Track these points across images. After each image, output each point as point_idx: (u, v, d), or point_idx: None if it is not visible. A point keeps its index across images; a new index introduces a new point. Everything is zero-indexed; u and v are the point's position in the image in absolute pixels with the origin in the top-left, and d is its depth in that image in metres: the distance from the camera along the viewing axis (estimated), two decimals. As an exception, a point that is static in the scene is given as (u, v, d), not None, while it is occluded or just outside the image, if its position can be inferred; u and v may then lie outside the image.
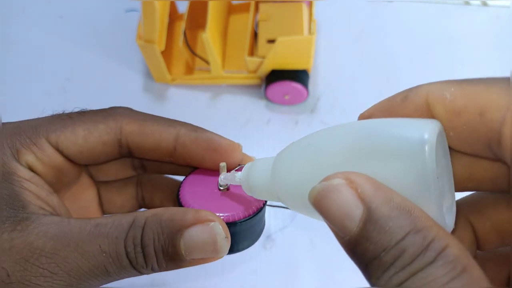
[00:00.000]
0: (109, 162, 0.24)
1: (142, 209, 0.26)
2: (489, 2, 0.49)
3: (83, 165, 0.24)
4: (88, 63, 0.46)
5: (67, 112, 0.23)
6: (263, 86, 0.42)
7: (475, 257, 0.20)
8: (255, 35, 0.42)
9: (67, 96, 0.45)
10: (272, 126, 0.43)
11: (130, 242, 0.19)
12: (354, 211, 0.14)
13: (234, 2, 0.46)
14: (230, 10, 0.46)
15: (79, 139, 0.21)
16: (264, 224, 0.23)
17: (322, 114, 0.43)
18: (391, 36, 0.47)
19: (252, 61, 0.40)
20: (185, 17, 0.42)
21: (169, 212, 0.19)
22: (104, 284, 0.20)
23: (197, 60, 0.45)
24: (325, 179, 0.16)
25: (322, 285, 0.37)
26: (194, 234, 0.19)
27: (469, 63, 0.46)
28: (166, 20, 0.41)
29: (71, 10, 0.49)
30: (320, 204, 0.16)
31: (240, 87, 0.45)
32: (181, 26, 0.42)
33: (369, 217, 0.14)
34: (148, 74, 0.45)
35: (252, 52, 0.42)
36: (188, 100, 0.44)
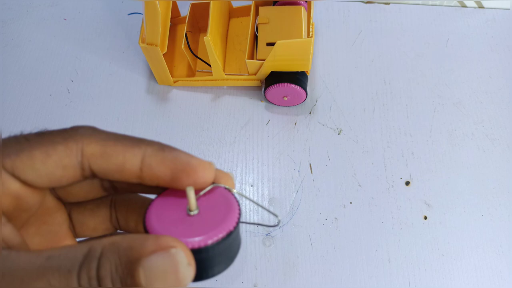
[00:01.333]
0: (74, 184, 0.22)
1: (119, 231, 0.25)
2: (485, 5, 0.50)
3: (46, 188, 0.22)
4: (92, 65, 0.47)
5: (25, 133, 0.20)
6: (263, 88, 0.42)
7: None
8: (255, 38, 0.43)
9: (71, 97, 0.45)
10: (271, 127, 0.44)
11: (84, 275, 0.17)
12: None
13: (235, 5, 0.46)
14: (231, 13, 0.46)
15: (37, 163, 0.19)
16: (239, 243, 0.21)
17: (320, 115, 0.44)
18: (388, 38, 0.48)
19: (252, 64, 0.41)
20: (187, 20, 0.42)
21: (127, 240, 0.18)
22: None
23: (199, 62, 0.45)
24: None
25: (321, 281, 0.38)
26: (153, 263, 0.17)
27: (466, 65, 0.46)
28: (168, 23, 0.41)
29: (75, 12, 0.50)
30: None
31: (241, 88, 0.45)
32: (183, 29, 0.42)
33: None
34: (151, 76, 0.46)
35: (252, 55, 0.42)
36: (190, 101, 0.45)
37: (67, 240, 0.23)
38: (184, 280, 0.17)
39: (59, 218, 0.23)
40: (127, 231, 0.24)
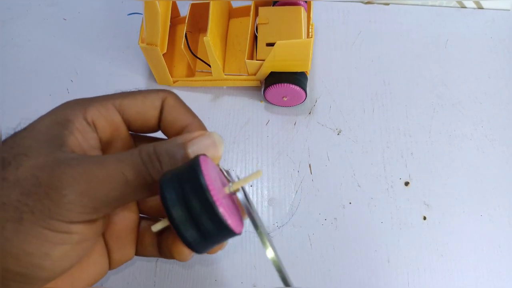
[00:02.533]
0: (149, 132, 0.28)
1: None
2: (484, 5, 0.50)
3: (134, 138, 0.28)
4: (91, 65, 0.47)
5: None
6: (263, 88, 0.42)
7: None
8: (255, 38, 0.43)
9: (71, 98, 0.45)
10: (271, 127, 0.44)
11: (145, 154, 0.23)
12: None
13: (235, 6, 0.46)
14: (231, 14, 0.46)
15: (138, 101, 0.26)
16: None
17: (320, 115, 0.44)
18: (388, 39, 0.48)
19: (252, 64, 0.41)
20: (187, 20, 0.42)
21: (171, 138, 0.24)
22: (125, 201, 0.23)
23: (198, 62, 0.45)
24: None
25: (320, 282, 0.38)
26: (198, 141, 0.23)
27: (465, 66, 0.46)
28: (168, 23, 0.41)
29: (74, 12, 0.50)
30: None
31: (240, 89, 0.45)
32: (183, 29, 0.42)
33: None
34: (151, 76, 0.46)
35: (252, 55, 0.43)
36: (189, 101, 0.43)
37: None
38: (220, 152, 0.24)
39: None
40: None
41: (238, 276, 0.38)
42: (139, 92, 0.27)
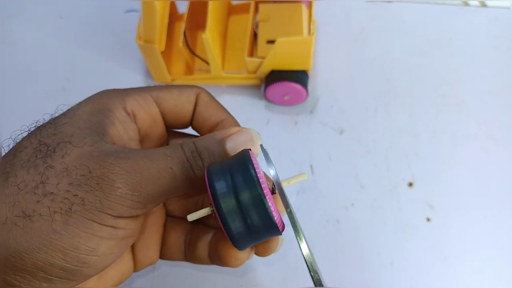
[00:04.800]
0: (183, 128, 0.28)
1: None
2: (488, 3, 0.49)
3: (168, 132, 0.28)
4: (88, 63, 0.47)
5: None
6: (263, 87, 0.42)
7: None
8: (254, 35, 0.43)
9: (67, 96, 0.45)
10: (271, 127, 0.43)
11: (187, 150, 0.23)
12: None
13: (234, 3, 0.46)
14: (230, 10, 0.46)
15: (174, 95, 0.26)
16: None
17: (321, 114, 0.44)
18: (390, 37, 0.47)
19: (252, 62, 0.40)
20: (185, 17, 0.42)
21: (208, 134, 0.24)
22: (170, 196, 0.23)
23: (197, 60, 0.45)
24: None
25: (321, 285, 0.37)
26: (236, 138, 0.24)
27: (468, 64, 0.46)
28: (166, 20, 0.41)
29: (71, 10, 0.49)
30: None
31: (240, 87, 0.45)
32: (181, 26, 0.42)
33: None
34: (148, 74, 0.45)
35: (251, 53, 0.42)
36: None
37: None
38: (258, 148, 0.24)
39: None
40: None
41: (238, 279, 0.37)
42: (174, 87, 0.27)
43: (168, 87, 0.27)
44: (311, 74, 0.44)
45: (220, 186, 0.21)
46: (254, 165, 0.21)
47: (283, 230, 0.22)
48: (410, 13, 0.48)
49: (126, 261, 0.27)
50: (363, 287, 0.37)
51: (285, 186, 0.23)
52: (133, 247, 0.27)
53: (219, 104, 0.28)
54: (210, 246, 0.27)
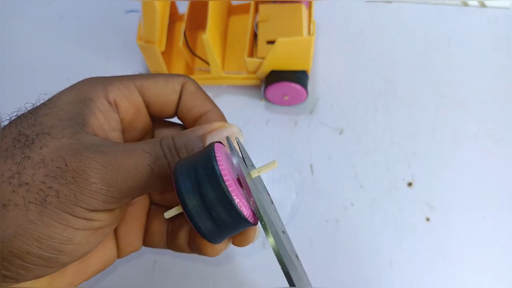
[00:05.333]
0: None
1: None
2: (487, 4, 0.49)
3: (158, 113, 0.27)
4: (88, 63, 0.46)
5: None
6: (263, 87, 0.42)
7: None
8: (255, 36, 0.42)
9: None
10: (271, 127, 0.43)
11: (166, 147, 0.23)
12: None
13: (234, 3, 0.46)
14: (230, 11, 0.46)
15: (159, 85, 0.26)
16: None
17: (321, 114, 0.44)
18: (390, 37, 0.47)
19: (252, 62, 0.40)
20: (185, 18, 0.42)
21: (189, 129, 0.24)
22: (146, 191, 0.23)
23: (197, 60, 0.45)
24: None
25: (321, 284, 0.37)
26: (217, 133, 0.23)
27: (468, 65, 0.46)
28: (166, 20, 0.41)
29: (71, 10, 0.49)
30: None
31: (240, 87, 0.45)
32: (181, 26, 0.42)
33: None
34: (148, 75, 0.45)
35: (251, 53, 0.42)
36: None
37: None
38: (240, 136, 0.24)
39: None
40: None
41: (237, 278, 0.37)
42: (160, 75, 0.26)
43: (154, 75, 0.26)
44: (311, 74, 0.44)
45: (184, 183, 0.20)
46: (217, 159, 0.20)
47: (256, 221, 0.22)
48: (409, 13, 0.48)
49: (108, 248, 0.27)
50: (363, 287, 0.37)
51: (255, 175, 0.22)
52: (116, 234, 0.28)
53: (205, 94, 0.27)
54: (189, 235, 0.27)
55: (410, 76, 0.45)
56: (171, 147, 0.23)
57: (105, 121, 0.24)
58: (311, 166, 0.41)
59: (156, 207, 0.29)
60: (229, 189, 0.20)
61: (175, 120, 0.29)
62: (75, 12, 0.49)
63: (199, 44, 0.45)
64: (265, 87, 0.41)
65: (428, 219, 0.39)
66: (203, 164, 0.20)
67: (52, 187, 0.20)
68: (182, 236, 0.27)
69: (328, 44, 0.47)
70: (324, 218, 0.39)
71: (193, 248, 0.26)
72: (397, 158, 0.42)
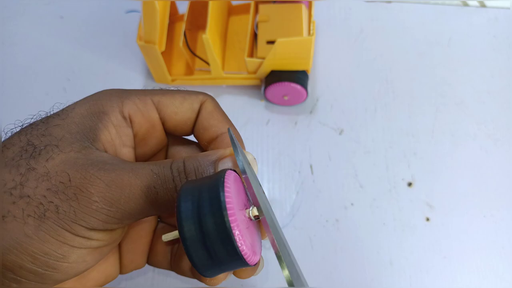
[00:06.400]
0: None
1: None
2: (487, 4, 0.49)
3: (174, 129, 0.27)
4: (88, 64, 0.46)
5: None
6: (263, 87, 0.42)
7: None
8: (255, 36, 0.42)
9: (68, 96, 0.45)
10: (271, 127, 0.43)
11: (175, 170, 0.22)
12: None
13: (234, 3, 0.46)
14: (230, 11, 0.46)
15: (177, 101, 0.25)
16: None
17: (321, 114, 0.44)
18: (390, 37, 0.47)
19: (252, 62, 0.40)
20: (185, 18, 0.42)
21: (201, 154, 0.23)
22: (150, 214, 0.22)
23: (197, 60, 0.45)
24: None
25: (321, 284, 0.37)
26: (228, 161, 0.23)
27: (468, 65, 0.46)
28: (166, 21, 0.41)
29: (71, 10, 0.49)
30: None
31: (240, 87, 0.45)
32: (181, 27, 0.42)
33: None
34: (149, 75, 0.45)
35: (251, 53, 0.42)
36: None
37: None
38: (254, 166, 0.23)
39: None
40: None
41: (238, 281, 0.37)
42: (178, 92, 0.26)
43: (173, 92, 0.26)
44: (310, 75, 0.44)
45: (185, 206, 0.18)
46: (225, 185, 0.19)
47: (256, 262, 0.20)
48: (409, 13, 0.48)
49: (110, 264, 0.27)
50: (363, 286, 0.37)
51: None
52: (120, 251, 0.27)
53: (224, 114, 0.26)
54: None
55: (409, 76, 0.45)
56: (180, 171, 0.22)
57: (116, 136, 0.23)
58: (311, 166, 0.41)
59: (163, 226, 0.28)
60: (230, 219, 0.18)
61: (192, 137, 0.28)
62: (75, 12, 0.49)
63: (199, 44, 0.45)
64: (265, 87, 0.41)
65: (428, 219, 0.39)
66: (209, 189, 0.19)
67: (52, 202, 0.20)
68: (186, 260, 0.26)
69: (328, 44, 0.47)
70: (324, 218, 0.39)
71: (195, 274, 0.26)
72: (397, 158, 0.42)
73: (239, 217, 0.19)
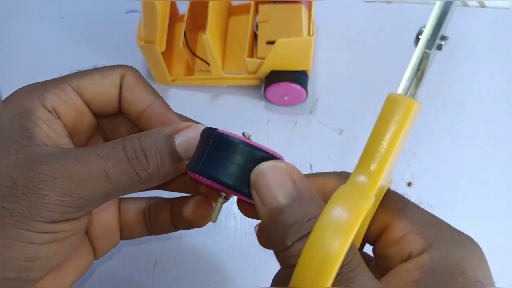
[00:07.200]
0: (113, 116, 0.26)
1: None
2: (487, 4, 0.49)
3: (97, 119, 0.26)
4: (88, 64, 0.45)
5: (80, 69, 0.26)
6: (263, 87, 0.42)
7: None
8: (255, 36, 0.43)
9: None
10: (271, 127, 0.43)
11: (129, 148, 0.21)
12: (286, 187, 0.19)
13: (234, 3, 0.46)
14: (230, 11, 0.46)
15: (96, 81, 0.24)
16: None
17: (321, 114, 0.44)
18: (390, 37, 0.47)
19: (252, 62, 0.40)
20: (186, 18, 0.42)
21: (155, 129, 0.23)
22: (110, 198, 0.22)
23: (197, 61, 0.45)
24: (266, 163, 0.20)
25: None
26: (185, 134, 0.22)
27: (468, 65, 0.46)
28: (166, 21, 0.41)
29: (71, 10, 0.49)
30: (261, 178, 0.20)
31: (240, 87, 0.45)
32: (182, 27, 0.42)
33: (297, 196, 0.19)
34: (149, 75, 0.45)
35: (251, 53, 0.42)
36: (188, 100, 0.44)
37: None
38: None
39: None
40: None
41: (238, 278, 0.37)
42: (97, 70, 0.25)
43: (90, 71, 0.25)
44: (310, 75, 0.44)
45: (221, 174, 0.21)
46: (222, 131, 0.21)
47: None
48: (408, 13, 0.48)
49: (83, 255, 0.27)
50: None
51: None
52: (90, 239, 0.27)
53: (146, 85, 0.25)
54: (173, 214, 0.27)
55: (409, 76, 0.45)
56: (136, 149, 0.22)
57: (50, 130, 0.23)
58: (310, 166, 0.41)
59: (125, 200, 0.28)
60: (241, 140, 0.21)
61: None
62: (76, 12, 0.49)
63: (199, 44, 0.45)
64: (265, 87, 0.41)
65: (427, 219, 0.39)
66: (219, 145, 0.21)
67: (4, 207, 0.20)
68: (164, 218, 0.27)
69: (328, 44, 0.47)
70: (324, 217, 0.39)
71: (180, 224, 0.27)
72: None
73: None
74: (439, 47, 0.20)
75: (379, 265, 0.20)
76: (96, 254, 0.27)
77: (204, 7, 0.41)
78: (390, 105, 0.18)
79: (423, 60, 0.20)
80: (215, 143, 0.21)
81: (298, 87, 0.40)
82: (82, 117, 0.25)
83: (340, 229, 0.16)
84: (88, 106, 0.25)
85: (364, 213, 0.17)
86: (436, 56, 0.46)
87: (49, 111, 0.23)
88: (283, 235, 0.18)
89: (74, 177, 0.20)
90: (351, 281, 0.17)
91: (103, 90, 0.24)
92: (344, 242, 0.16)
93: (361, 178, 0.18)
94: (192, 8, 0.43)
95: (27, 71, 0.46)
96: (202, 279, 0.37)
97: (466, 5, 0.49)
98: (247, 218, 0.39)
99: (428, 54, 0.19)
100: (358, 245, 0.20)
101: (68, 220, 0.21)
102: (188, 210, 0.26)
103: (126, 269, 0.38)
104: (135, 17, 0.48)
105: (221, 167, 0.21)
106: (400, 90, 0.19)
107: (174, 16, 0.45)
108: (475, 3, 0.50)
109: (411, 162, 0.41)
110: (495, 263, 0.37)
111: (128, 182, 0.22)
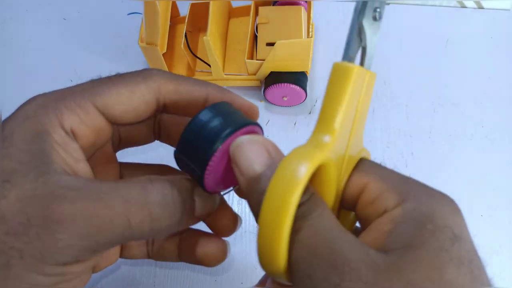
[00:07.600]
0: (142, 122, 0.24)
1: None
2: (484, 5, 0.50)
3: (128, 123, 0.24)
4: (91, 65, 0.47)
5: (103, 76, 0.23)
6: (263, 88, 0.42)
7: None
8: (255, 38, 0.43)
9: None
10: (271, 127, 0.43)
11: (173, 194, 0.20)
12: (261, 158, 0.19)
13: (235, 5, 0.46)
14: (231, 13, 0.46)
15: (124, 99, 0.22)
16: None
17: (320, 115, 0.44)
18: (388, 39, 0.47)
19: (252, 64, 0.41)
20: (187, 20, 0.42)
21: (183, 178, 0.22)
22: (127, 241, 0.21)
23: (198, 62, 0.45)
24: (243, 137, 0.20)
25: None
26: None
27: (465, 66, 0.46)
28: (167, 22, 0.41)
29: (74, 12, 0.50)
30: (238, 150, 0.20)
31: (240, 88, 0.45)
32: (183, 28, 0.42)
33: (272, 165, 0.19)
34: (150, 76, 0.46)
35: (252, 55, 0.43)
36: None
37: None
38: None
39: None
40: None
41: (238, 277, 0.38)
42: (123, 83, 0.22)
43: (115, 83, 0.22)
44: (310, 76, 0.44)
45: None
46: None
47: (211, 188, 0.22)
48: (406, 15, 0.49)
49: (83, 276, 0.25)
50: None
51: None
52: None
53: (183, 80, 0.23)
54: (182, 248, 0.26)
55: (407, 77, 0.46)
56: (188, 189, 0.21)
57: (66, 154, 0.21)
58: (310, 166, 0.42)
59: None
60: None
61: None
62: (78, 14, 0.49)
63: (200, 45, 0.46)
64: (265, 88, 0.42)
65: (425, 218, 0.40)
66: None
67: (14, 247, 0.18)
68: (171, 250, 0.26)
69: (327, 46, 0.47)
70: (323, 217, 0.40)
71: (189, 260, 0.26)
72: (394, 158, 0.42)
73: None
74: (374, 18, 0.20)
75: (363, 228, 0.20)
76: (94, 269, 0.26)
77: (205, 9, 0.41)
78: (334, 72, 0.20)
79: (361, 31, 0.21)
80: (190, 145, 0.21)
81: (298, 88, 0.41)
82: (101, 135, 0.23)
83: (295, 171, 0.17)
84: (115, 121, 0.23)
85: (319, 158, 0.18)
86: (435, 57, 0.46)
87: (66, 133, 0.21)
88: (260, 200, 0.18)
89: (94, 221, 0.19)
90: (307, 219, 0.17)
91: (133, 108, 0.22)
92: (298, 184, 0.17)
93: (317, 137, 0.19)
94: (193, 10, 0.43)
95: (29, 73, 0.46)
96: (202, 278, 0.38)
97: (463, 6, 0.50)
98: (247, 217, 0.40)
99: (362, 24, 0.21)
100: (335, 209, 0.21)
101: (78, 261, 0.20)
102: (202, 249, 0.25)
103: (127, 269, 0.38)
104: (137, 19, 0.48)
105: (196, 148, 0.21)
106: (342, 59, 0.21)
107: (175, 18, 0.46)
108: (472, 4, 0.50)
109: (409, 163, 0.42)
110: (493, 262, 0.38)
111: (147, 230, 0.20)
